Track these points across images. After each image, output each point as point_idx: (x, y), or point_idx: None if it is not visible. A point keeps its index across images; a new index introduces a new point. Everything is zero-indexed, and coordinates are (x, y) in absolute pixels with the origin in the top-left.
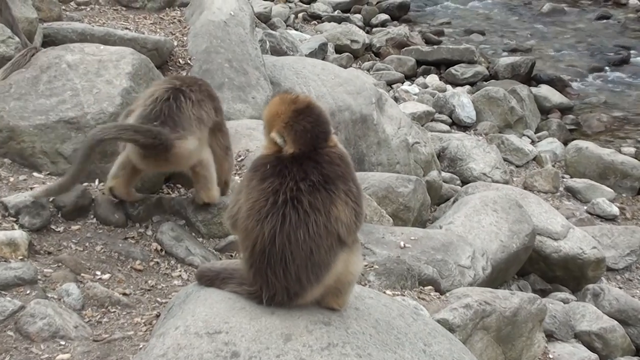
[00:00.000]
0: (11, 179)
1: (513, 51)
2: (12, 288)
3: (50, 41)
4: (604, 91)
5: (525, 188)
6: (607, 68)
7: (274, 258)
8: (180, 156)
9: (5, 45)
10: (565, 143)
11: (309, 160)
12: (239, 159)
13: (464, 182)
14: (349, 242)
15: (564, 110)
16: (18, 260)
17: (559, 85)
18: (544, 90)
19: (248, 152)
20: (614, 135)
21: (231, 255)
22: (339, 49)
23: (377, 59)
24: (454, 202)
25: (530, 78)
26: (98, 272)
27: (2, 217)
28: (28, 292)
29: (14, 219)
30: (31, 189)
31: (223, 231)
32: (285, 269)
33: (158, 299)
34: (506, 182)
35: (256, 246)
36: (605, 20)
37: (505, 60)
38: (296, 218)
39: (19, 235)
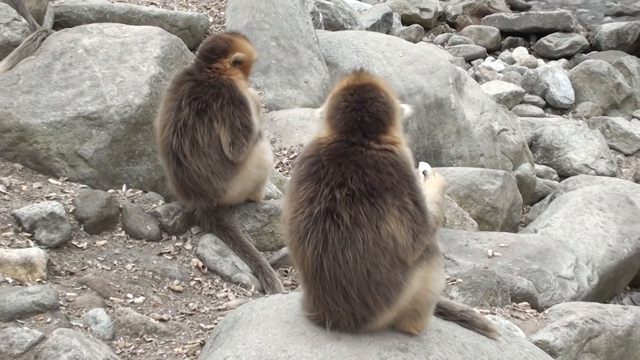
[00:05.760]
0: (24, 188)
1: (618, 15)
2: (31, 316)
3: (63, 22)
4: None
5: (637, 181)
6: None
7: (327, 283)
8: None
9: (10, 28)
10: None
11: (349, 162)
12: (292, 156)
13: (562, 175)
14: (410, 263)
15: None
16: (36, 283)
17: None
18: None
19: (302, 147)
20: None
21: (286, 271)
22: (406, 20)
23: (453, 30)
24: (550, 200)
25: (639, 48)
26: (130, 295)
27: (15, 233)
28: (49, 320)
29: (29, 235)
30: (47, 198)
31: (276, 242)
32: (346, 293)
33: (202, 324)
34: (613, 175)
35: (305, 269)
36: None
37: (609, 26)
38: (339, 236)
39: (35, 253)
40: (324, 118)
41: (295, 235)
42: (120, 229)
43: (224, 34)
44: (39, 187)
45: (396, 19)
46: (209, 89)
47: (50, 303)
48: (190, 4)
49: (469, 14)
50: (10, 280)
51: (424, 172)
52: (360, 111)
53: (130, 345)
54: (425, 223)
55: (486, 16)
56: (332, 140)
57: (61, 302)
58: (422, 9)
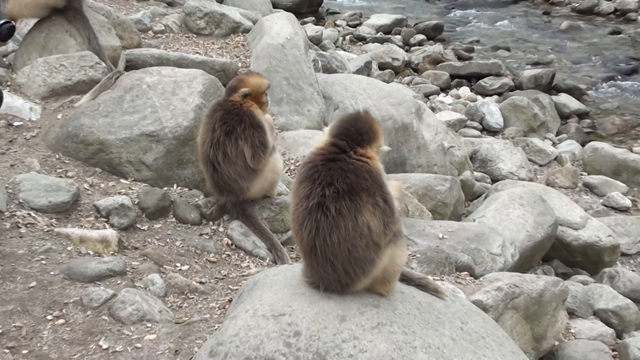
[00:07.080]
0: (102, 185)
1: (535, 64)
2: (106, 279)
3: (132, 65)
4: (617, 98)
5: (547, 184)
6: (619, 77)
7: (319, 258)
8: None
9: (94, 70)
10: (583, 144)
11: (336, 167)
12: (297, 164)
13: (494, 180)
14: (382, 245)
15: (581, 115)
16: (110, 255)
17: (577, 93)
18: (563, 98)
19: (304, 157)
20: (626, 136)
21: (292, 248)
22: (381, 66)
23: (416, 74)
24: (485, 198)
25: (551, 88)
26: (178, 264)
27: (95, 219)
28: (119, 282)
29: (105, 220)
30: (119, 193)
31: (285, 227)
32: (333, 266)
33: (230, 286)
34: (531, 180)
35: (304, 248)
36: (617, 35)
37: (529, 72)
38: (327, 223)
39: (110, 233)
40: (328, 130)
41: (296, 222)
42: (171, 216)
43: (240, 74)
44: (113, 185)
45: (374, 66)
46: (234, 116)
47: (119, 269)
48: (224, 54)
49: (427, 62)
50: (91, 253)
51: None
52: (350, 124)
53: (178, 301)
54: (393, 216)
55: (440, 64)
56: (325, 145)
57: (128, 269)
58: (393, 58)
